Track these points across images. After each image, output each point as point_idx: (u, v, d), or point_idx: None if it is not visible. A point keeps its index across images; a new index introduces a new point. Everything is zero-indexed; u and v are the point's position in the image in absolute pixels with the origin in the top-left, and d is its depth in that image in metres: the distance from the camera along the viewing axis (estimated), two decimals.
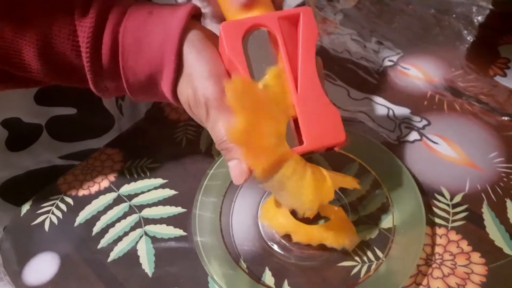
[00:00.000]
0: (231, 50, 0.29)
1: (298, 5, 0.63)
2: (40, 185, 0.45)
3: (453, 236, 0.38)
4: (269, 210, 0.39)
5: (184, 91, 0.31)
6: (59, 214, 0.43)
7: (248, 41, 0.30)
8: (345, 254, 0.37)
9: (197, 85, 0.30)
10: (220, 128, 0.29)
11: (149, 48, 0.30)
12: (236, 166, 0.30)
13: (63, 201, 0.44)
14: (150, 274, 0.38)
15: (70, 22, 0.30)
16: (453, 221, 0.39)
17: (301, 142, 0.30)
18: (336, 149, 0.31)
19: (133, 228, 0.41)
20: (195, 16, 0.32)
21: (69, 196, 0.44)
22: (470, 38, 0.57)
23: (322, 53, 0.56)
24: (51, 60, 0.31)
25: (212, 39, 0.32)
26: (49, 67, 0.31)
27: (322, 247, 0.37)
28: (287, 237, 0.38)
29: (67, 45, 0.30)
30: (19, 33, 0.29)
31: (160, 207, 0.42)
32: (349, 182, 0.34)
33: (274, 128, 0.29)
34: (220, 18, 0.34)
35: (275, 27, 0.30)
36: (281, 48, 0.30)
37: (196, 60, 0.30)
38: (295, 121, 0.30)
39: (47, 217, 0.43)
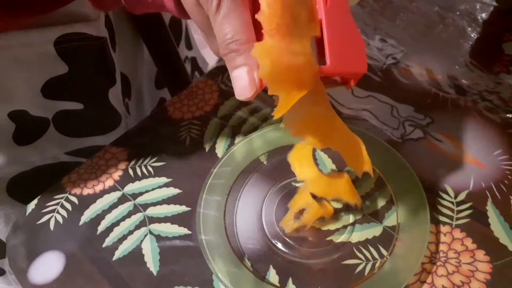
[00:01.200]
0: None
1: None
2: (46, 183, 0.45)
3: (458, 234, 0.38)
4: (299, 152, 0.38)
5: None
6: (64, 213, 0.43)
7: None
8: (350, 251, 0.37)
9: None
10: (233, 24, 0.25)
11: None
12: (244, 75, 0.25)
13: (68, 200, 0.44)
14: (155, 273, 0.38)
15: None
16: (458, 219, 0.39)
17: (322, 62, 0.27)
18: (352, 82, 0.29)
19: (137, 227, 0.41)
20: None
21: (74, 195, 0.44)
22: (474, 35, 0.56)
23: None
24: None
25: None
26: None
27: (326, 243, 0.37)
28: (293, 235, 0.38)
29: None
30: None
31: (165, 206, 0.42)
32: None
33: (301, 32, 0.26)
34: None
35: None
36: None
37: None
38: (318, 41, 0.27)
39: (52, 216, 0.43)
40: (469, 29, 0.57)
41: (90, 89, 0.49)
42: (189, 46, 0.71)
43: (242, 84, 0.25)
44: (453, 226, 0.38)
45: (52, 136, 0.49)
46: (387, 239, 0.38)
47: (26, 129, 0.47)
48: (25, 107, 0.45)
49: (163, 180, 0.44)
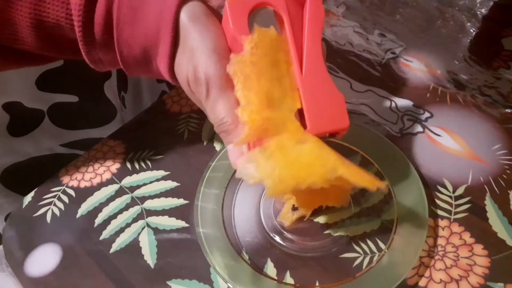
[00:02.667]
0: (236, 27, 0.28)
1: None
2: (42, 174, 0.45)
3: (456, 228, 0.38)
4: None
5: (184, 68, 0.29)
6: (61, 205, 0.43)
7: (254, 20, 0.29)
8: (348, 245, 0.37)
9: (199, 62, 0.28)
10: (221, 109, 0.28)
11: (145, 19, 0.29)
12: (235, 149, 0.29)
13: (65, 192, 0.44)
14: (152, 265, 0.38)
15: None
16: (456, 213, 0.39)
17: (303, 127, 0.29)
18: (338, 135, 0.31)
19: (135, 220, 0.41)
20: None
21: (71, 187, 0.44)
22: (473, 31, 0.56)
23: None
24: (45, 32, 0.30)
25: (215, 14, 0.30)
26: (43, 39, 0.30)
27: (324, 236, 0.37)
28: (291, 228, 0.38)
29: (61, 15, 0.29)
30: (10, 2, 0.28)
31: (162, 199, 0.42)
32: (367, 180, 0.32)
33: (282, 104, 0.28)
34: None
35: (282, 7, 0.29)
36: (287, 29, 0.29)
37: (200, 35, 0.28)
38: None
39: (49, 209, 0.43)
40: (469, 24, 0.57)
41: (85, 82, 0.49)
42: None
43: (236, 155, 0.29)
44: (452, 220, 0.38)
45: (47, 128, 0.49)
46: (385, 233, 0.38)
47: (21, 120, 0.47)
48: (20, 99, 0.45)
49: (161, 173, 0.44)
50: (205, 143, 0.46)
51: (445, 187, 0.40)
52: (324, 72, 0.30)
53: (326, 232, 0.38)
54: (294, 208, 0.39)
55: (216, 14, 0.31)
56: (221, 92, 0.28)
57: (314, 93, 0.29)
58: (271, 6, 0.30)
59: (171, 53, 0.29)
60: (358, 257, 0.37)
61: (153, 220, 0.41)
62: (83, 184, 0.44)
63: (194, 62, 0.28)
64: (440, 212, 0.39)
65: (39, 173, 0.46)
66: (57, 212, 0.42)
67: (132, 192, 0.43)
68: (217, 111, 0.29)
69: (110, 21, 0.29)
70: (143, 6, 0.29)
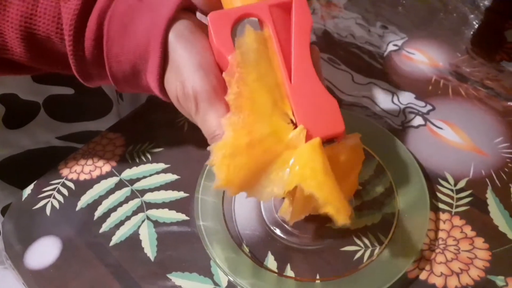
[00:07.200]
0: (219, 41, 0.28)
1: None
2: (38, 167, 0.45)
3: (457, 221, 0.38)
4: None
5: (172, 84, 0.30)
6: (61, 198, 0.43)
7: (238, 31, 0.29)
8: (348, 238, 0.37)
9: (186, 78, 0.29)
10: (211, 121, 0.29)
11: (135, 36, 0.29)
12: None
13: (64, 185, 0.43)
14: (152, 258, 0.38)
15: (56, 4, 0.29)
16: (457, 206, 0.39)
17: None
18: (337, 140, 0.31)
19: (135, 213, 0.41)
20: (189, 8, 0.32)
21: (71, 180, 0.44)
22: (476, 23, 0.56)
23: (326, 37, 0.56)
24: (34, 44, 0.30)
25: (204, 29, 0.31)
26: (32, 51, 0.30)
27: (325, 229, 0.37)
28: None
29: (51, 28, 0.29)
30: (1, 13, 0.29)
31: (162, 192, 0.42)
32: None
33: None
34: (208, 8, 0.33)
35: (266, 16, 0.29)
36: (273, 38, 0.29)
37: (184, 51, 0.29)
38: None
39: (48, 202, 0.42)
40: (471, 16, 0.56)
41: None
42: None
43: None
44: (453, 213, 0.38)
45: (43, 121, 0.49)
46: (386, 226, 0.37)
47: (17, 112, 0.47)
48: (15, 90, 0.45)
49: (161, 166, 0.44)
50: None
51: (447, 180, 0.40)
52: (315, 78, 0.29)
53: (327, 225, 0.38)
54: None
55: (204, 28, 0.31)
56: (210, 105, 0.28)
57: (305, 100, 0.29)
58: (255, 16, 0.29)
59: (160, 68, 0.29)
60: (359, 250, 0.37)
61: (153, 213, 0.41)
62: (82, 177, 0.44)
63: (182, 78, 0.29)
64: (441, 205, 0.39)
65: (35, 166, 0.45)
66: (56, 205, 0.42)
67: (132, 185, 0.43)
68: (208, 124, 0.29)
69: (101, 37, 0.29)
70: (134, 22, 0.29)
